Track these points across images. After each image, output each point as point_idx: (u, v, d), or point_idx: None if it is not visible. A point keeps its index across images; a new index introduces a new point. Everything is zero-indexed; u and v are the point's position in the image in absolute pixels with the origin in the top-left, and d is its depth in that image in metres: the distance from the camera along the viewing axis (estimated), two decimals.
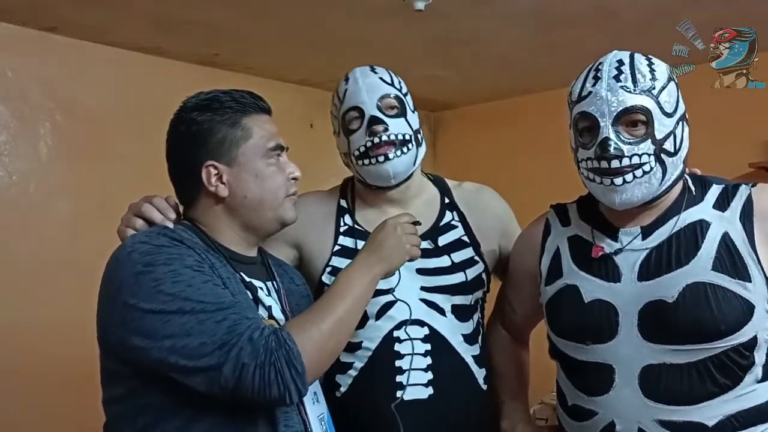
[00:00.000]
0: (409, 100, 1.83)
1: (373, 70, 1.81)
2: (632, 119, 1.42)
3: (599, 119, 1.43)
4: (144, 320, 1.22)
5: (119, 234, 1.43)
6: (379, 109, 1.75)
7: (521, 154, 4.32)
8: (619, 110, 1.41)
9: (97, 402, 1.37)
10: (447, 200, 1.88)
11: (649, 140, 1.42)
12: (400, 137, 1.75)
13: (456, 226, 1.83)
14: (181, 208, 1.48)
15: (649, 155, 1.42)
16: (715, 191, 1.50)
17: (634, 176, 1.42)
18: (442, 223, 1.83)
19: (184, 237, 1.34)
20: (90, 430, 1.47)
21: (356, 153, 1.76)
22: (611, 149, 1.41)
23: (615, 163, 1.42)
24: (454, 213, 1.86)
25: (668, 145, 1.43)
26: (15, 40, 3.08)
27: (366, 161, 1.75)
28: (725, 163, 2.89)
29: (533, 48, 3.53)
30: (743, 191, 1.47)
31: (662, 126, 1.42)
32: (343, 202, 1.87)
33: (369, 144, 1.74)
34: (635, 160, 1.41)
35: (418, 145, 1.81)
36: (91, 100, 3.29)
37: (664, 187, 1.46)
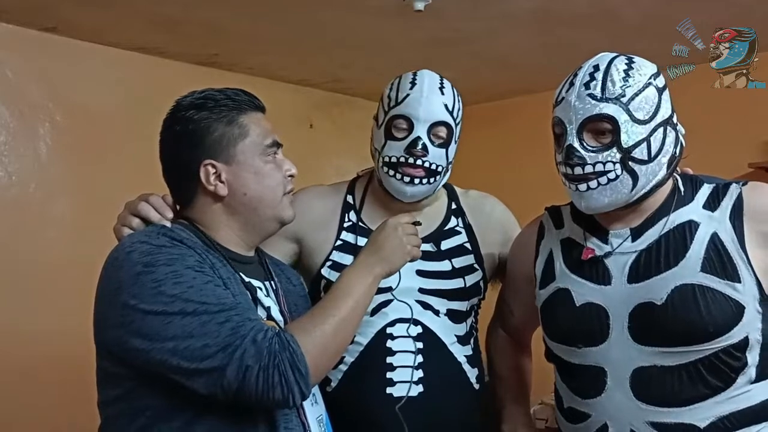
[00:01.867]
0: (458, 130, 1.79)
1: (441, 88, 1.76)
2: (597, 127, 1.41)
3: (567, 126, 1.43)
4: (144, 321, 1.21)
5: (115, 233, 1.41)
6: (429, 134, 1.72)
7: (521, 154, 4.31)
8: (583, 118, 1.41)
9: (95, 405, 1.36)
10: (454, 206, 1.88)
11: (615, 148, 1.40)
12: (434, 167, 1.73)
13: (460, 232, 1.84)
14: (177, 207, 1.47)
15: (614, 163, 1.41)
16: (705, 191, 1.49)
17: (599, 183, 1.42)
18: (446, 228, 1.83)
19: (184, 237, 1.33)
20: (90, 430, 1.47)
21: (386, 158, 1.74)
22: (574, 158, 1.42)
23: (578, 170, 1.43)
24: (460, 219, 1.86)
25: (638, 153, 1.41)
26: (15, 40, 3.08)
27: (391, 172, 1.73)
28: (725, 164, 2.88)
29: (533, 48, 3.53)
30: (733, 190, 1.46)
31: (632, 133, 1.40)
32: (350, 198, 1.86)
33: (402, 160, 1.72)
34: (598, 167, 1.41)
35: (445, 173, 1.79)
36: (91, 100, 3.30)
37: (638, 194, 1.44)
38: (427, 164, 1.72)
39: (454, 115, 1.77)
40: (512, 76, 4.05)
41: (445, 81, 1.78)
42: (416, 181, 1.72)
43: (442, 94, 1.75)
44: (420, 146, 1.70)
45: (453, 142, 1.77)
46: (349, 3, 2.88)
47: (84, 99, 3.28)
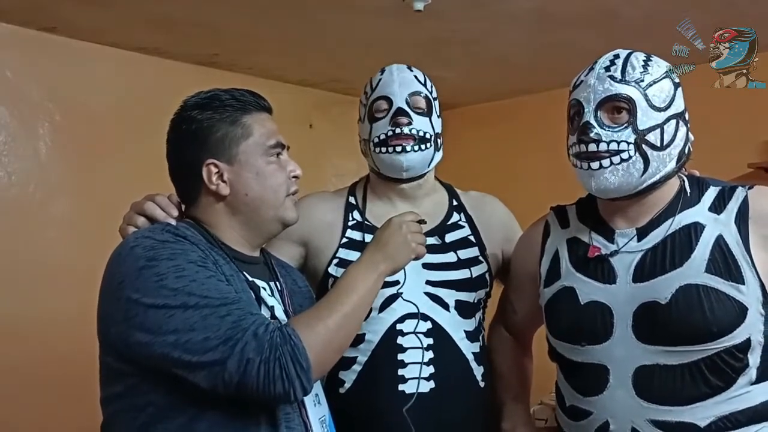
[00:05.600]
0: (436, 105, 1.88)
1: (409, 68, 1.87)
2: (615, 106, 1.45)
3: (584, 105, 1.47)
4: (147, 315, 1.22)
5: (121, 232, 1.42)
6: (408, 103, 1.80)
7: (521, 154, 4.32)
8: (602, 97, 1.45)
9: (97, 403, 1.37)
10: (456, 203, 1.91)
11: (630, 128, 1.44)
12: (421, 134, 1.79)
13: (463, 226, 1.87)
14: (182, 207, 1.48)
15: (628, 143, 1.44)
16: (711, 193, 1.51)
17: (612, 162, 1.44)
18: (449, 222, 1.86)
19: (188, 234, 1.34)
20: (90, 430, 1.47)
21: (375, 140, 1.80)
22: (591, 133, 1.44)
23: (592, 147, 1.45)
24: (462, 215, 1.89)
25: (652, 138, 1.44)
26: (15, 40, 3.08)
27: (383, 149, 1.79)
28: (724, 164, 2.89)
29: (533, 48, 3.53)
30: (739, 194, 1.48)
31: (647, 117, 1.44)
32: (352, 199, 1.89)
33: (390, 133, 1.78)
34: (613, 146, 1.44)
35: (436, 148, 1.85)
36: (91, 101, 3.30)
37: (647, 181, 1.47)
38: (414, 131, 1.78)
39: (428, 87, 1.86)
40: (511, 76, 4.05)
41: (413, 67, 1.89)
42: (408, 148, 1.77)
43: (411, 71, 1.86)
44: (403, 115, 1.78)
45: (434, 113, 1.85)
46: (349, 3, 2.88)
47: (84, 99, 3.28)
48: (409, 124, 1.78)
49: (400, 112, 1.78)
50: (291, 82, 4.10)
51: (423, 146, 1.79)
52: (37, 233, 3.09)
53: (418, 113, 1.80)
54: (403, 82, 1.82)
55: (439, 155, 1.87)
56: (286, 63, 3.75)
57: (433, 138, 1.82)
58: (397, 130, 1.77)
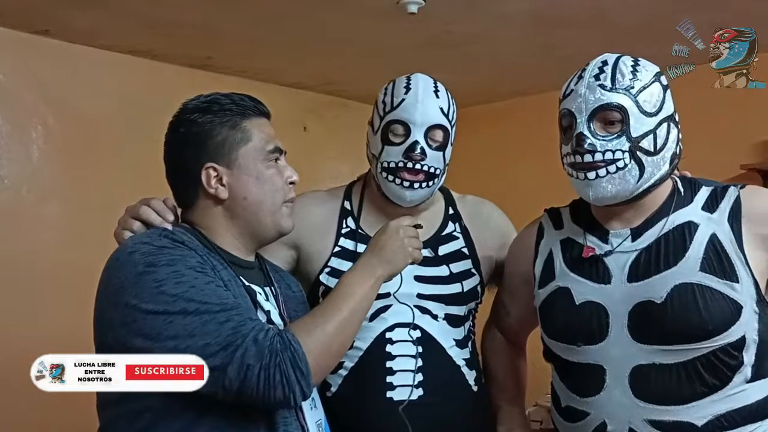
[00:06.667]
0: (453, 132, 1.79)
1: (436, 91, 1.76)
2: (607, 116, 1.45)
3: (576, 116, 1.46)
4: (146, 321, 1.21)
5: (116, 237, 1.42)
6: (426, 137, 1.72)
7: (517, 156, 4.33)
8: (594, 107, 1.45)
9: (93, 408, 1.36)
10: (451, 211, 1.89)
11: (624, 137, 1.44)
12: (432, 170, 1.73)
13: (457, 237, 1.84)
14: (179, 211, 1.48)
15: (623, 152, 1.44)
16: (704, 193, 1.52)
17: (608, 171, 1.45)
18: (444, 233, 1.84)
19: (185, 239, 1.33)
20: None
21: (384, 164, 1.74)
22: (585, 144, 1.44)
23: (588, 158, 1.45)
24: (457, 224, 1.87)
25: (646, 144, 1.45)
26: (7, 43, 3.07)
27: (390, 177, 1.74)
28: (718, 165, 2.90)
29: (528, 50, 3.54)
30: (732, 193, 1.49)
31: (640, 124, 1.44)
32: (347, 204, 1.86)
33: (401, 165, 1.72)
34: (608, 155, 1.44)
35: (442, 176, 1.80)
36: (84, 103, 3.29)
37: (643, 186, 1.47)
38: (426, 168, 1.72)
39: (450, 117, 1.77)
40: (507, 78, 4.06)
41: (438, 84, 1.79)
42: (416, 185, 1.73)
43: (437, 97, 1.75)
44: (418, 150, 1.71)
45: (449, 144, 1.78)
46: (343, 6, 2.88)
47: (77, 102, 3.27)
48: (423, 160, 1.71)
49: (416, 147, 1.71)
50: (285, 84, 4.11)
51: (431, 182, 1.74)
52: (30, 236, 3.08)
53: (433, 148, 1.73)
54: (425, 112, 1.72)
55: (443, 178, 1.82)
56: (280, 66, 3.75)
57: (441, 171, 1.76)
58: (409, 164, 1.71)
